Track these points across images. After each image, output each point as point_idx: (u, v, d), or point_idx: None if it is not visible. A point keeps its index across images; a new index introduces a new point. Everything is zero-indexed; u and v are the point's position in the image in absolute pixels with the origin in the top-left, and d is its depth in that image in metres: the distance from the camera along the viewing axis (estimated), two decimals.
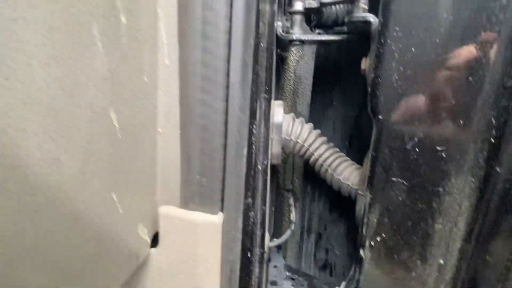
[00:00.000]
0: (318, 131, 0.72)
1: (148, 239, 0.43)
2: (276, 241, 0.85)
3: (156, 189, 0.43)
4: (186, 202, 0.42)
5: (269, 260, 0.88)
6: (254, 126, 0.43)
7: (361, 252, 0.53)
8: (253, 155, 0.45)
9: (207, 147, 0.39)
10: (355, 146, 0.83)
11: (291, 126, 0.71)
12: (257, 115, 0.46)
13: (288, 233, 0.88)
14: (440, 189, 0.44)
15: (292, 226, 0.92)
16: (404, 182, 0.46)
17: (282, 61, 0.92)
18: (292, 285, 0.77)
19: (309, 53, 0.91)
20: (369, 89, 0.47)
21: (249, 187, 0.49)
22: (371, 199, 0.50)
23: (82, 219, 0.29)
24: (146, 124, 0.36)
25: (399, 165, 0.46)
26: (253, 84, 0.41)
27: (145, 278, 0.46)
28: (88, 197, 0.29)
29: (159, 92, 0.38)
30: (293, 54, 0.94)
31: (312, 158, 0.71)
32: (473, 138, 0.40)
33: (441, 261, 0.45)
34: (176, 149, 0.40)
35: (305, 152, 0.71)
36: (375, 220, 0.50)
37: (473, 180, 0.41)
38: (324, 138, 0.72)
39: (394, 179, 0.47)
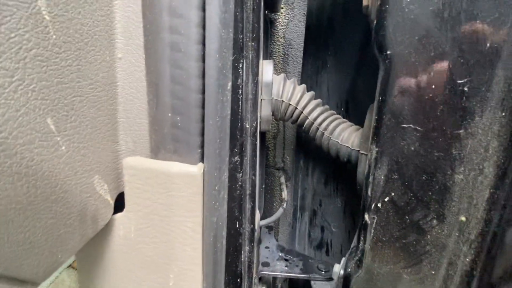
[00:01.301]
0: (312, 93, 0.65)
1: (109, 199, 0.35)
2: (268, 220, 0.78)
3: (118, 135, 0.34)
4: (156, 150, 0.34)
5: (260, 241, 0.81)
6: (240, 58, 0.35)
7: (366, 216, 0.46)
8: (240, 95, 0.37)
9: (180, 74, 0.30)
10: (352, 112, 0.76)
11: (282, 87, 0.63)
12: (243, 51, 0.38)
13: (280, 211, 0.81)
14: (461, 131, 0.37)
15: (284, 205, 0.84)
16: (417, 128, 0.39)
17: (271, 24, 0.84)
18: (286, 266, 0.70)
19: (300, 14, 0.83)
20: (375, 22, 0.40)
21: (236, 141, 0.41)
22: (378, 153, 0.43)
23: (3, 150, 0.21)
24: (97, 37, 0.28)
25: (411, 108, 0.39)
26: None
27: (108, 250, 0.38)
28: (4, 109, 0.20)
29: (116, 2, 0.30)
30: (282, 16, 0.86)
31: (307, 122, 0.64)
32: (503, 64, 0.33)
33: (463, 218, 0.39)
34: (142, 80, 0.32)
35: (298, 116, 0.64)
36: (383, 178, 0.43)
37: (503, 114, 0.34)
38: (318, 100, 0.65)
39: (405, 125, 0.40)
